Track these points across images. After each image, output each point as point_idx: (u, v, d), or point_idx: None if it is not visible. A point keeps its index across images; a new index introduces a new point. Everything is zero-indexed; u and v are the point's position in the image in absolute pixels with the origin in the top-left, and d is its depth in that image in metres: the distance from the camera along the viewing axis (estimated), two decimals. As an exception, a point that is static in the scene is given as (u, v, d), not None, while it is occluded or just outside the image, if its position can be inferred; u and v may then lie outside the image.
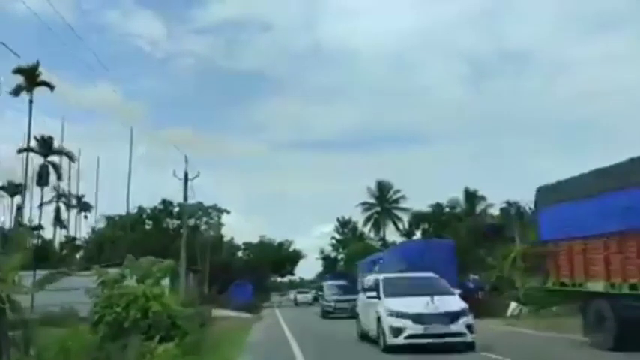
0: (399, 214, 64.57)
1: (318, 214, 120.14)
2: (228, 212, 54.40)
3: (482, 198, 57.85)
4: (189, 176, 27.16)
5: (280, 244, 65.03)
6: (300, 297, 60.42)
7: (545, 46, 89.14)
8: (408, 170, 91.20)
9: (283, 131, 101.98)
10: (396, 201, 64.82)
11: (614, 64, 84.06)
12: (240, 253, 62.97)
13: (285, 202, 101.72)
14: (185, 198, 26.29)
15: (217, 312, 28.12)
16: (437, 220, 52.96)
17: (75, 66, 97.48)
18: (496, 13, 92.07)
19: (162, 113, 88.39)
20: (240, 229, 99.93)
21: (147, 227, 52.73)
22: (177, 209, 52.16)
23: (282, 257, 64.29)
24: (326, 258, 72.88)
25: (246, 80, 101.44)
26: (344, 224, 74.08)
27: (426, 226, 58.46)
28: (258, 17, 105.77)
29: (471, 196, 58.48)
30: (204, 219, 54.38)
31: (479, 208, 56.93)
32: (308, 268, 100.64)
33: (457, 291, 13.80)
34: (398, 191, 64.85)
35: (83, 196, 59.08)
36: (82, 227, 59.23)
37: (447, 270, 26.34)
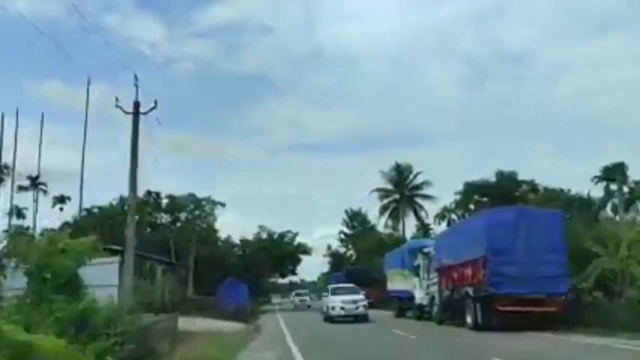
0: (422, 201, 54.36)
1: (320, 216, 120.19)
2: (223, 205, 48.69)
3: (524, 182, 49.74)
4: (142, 109, 16.12)
5: (282, 236, 55.96)
6: (340, 302, 25.81)
7: (545, 47, 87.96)
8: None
9: (283, 134, 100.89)
10: (418, 187, 54.27)
11: (614, 64, 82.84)
12: (236, 249, 56.32)
13: (286, 204, 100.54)
14: (135, 141, 15.53)
15: (195, 322, 19.58)
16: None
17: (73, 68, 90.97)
18: (494, 15, 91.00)
19: (162, 116, 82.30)
20: (239, 231, 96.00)
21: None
22: (165, 201, 48.88)
23: (283, 253, 55.25)
24: (333, 255, 64.68)
25: (247, 83, 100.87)
26: (353, 217, 65.34)
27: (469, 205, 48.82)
28: (259, 20, 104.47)
29: (507, 179, 49.93)
30: (197, 212, 49.06)
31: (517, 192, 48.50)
32: (310, 270, 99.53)
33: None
34: (419, 173, 54.16)
35: (38, 176, 49.38)
36: (38, 214, 50.02)
37: (552, 254, 16.56)
